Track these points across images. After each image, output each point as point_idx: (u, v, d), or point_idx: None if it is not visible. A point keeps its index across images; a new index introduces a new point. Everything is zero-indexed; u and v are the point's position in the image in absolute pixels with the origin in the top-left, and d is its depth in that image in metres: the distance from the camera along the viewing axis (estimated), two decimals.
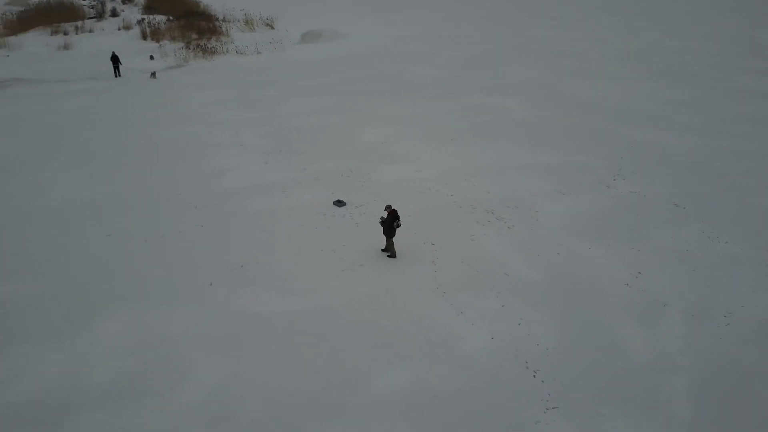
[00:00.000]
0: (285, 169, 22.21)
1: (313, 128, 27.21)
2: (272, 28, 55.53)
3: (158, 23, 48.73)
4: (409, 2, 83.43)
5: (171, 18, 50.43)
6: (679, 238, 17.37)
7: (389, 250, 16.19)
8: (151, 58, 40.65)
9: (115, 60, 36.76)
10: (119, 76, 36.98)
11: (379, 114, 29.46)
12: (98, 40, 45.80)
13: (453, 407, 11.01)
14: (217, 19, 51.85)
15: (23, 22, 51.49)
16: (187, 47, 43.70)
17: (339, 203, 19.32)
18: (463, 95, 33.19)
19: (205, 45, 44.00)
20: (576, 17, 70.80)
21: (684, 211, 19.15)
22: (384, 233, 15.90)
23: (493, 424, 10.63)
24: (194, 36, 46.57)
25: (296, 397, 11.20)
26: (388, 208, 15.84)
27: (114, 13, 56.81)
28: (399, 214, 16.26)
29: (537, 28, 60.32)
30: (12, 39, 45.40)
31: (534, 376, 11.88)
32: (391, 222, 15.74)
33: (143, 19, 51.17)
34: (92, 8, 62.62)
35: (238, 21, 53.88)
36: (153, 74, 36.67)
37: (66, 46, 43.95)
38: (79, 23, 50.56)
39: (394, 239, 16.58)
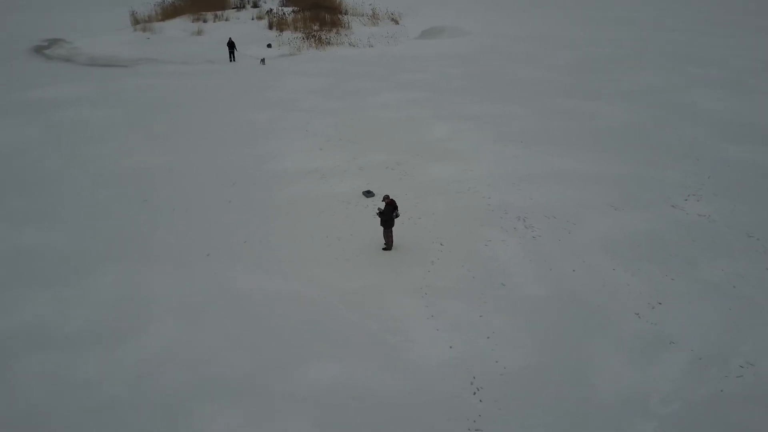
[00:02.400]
0: (335, 157, 22.39)
1: (386, 120, 27.13)
2: (396, 23, 56.10)
3: (284, 14, 51.41)
4: (546, 2, 79.74)
5: (296, 9, 52.95)
6: (731, 272, 14.91)
7: (386, 242, 15.71)
8: (269, 46, 42.94)
9: (230, 46, 39.45)
10: (233, 61, 39.63)
11: (461, 111, 28.59)
12: (229, 27, 49.36)
13: (369, 410, 10.45)
14: (341, 13, 53.53)
15: (176, 9, 57.03)
16: (306, 38, 45.66)
17: (368, 194, 19.09)
18: (559, 98, 31.12)
19: (320, 36, 45.67)
20: (731, 21, 63.20)
21: (756, 243, 16.38)
22: (381, 224, 15.47)
23: None
24: (315, 27, 48.53)
25: (224, 373, 11.29)
26: (386, 198, 15.41)
27: (255, 4, 60.92)
28: (398, 204, 15.74)
29: (678, 32, 54.76)
30: (157, 24, 50.56)
31: (474, 394, 10.88)
32: (390, 213, 15.29)
33: (271, 10, 54.32)
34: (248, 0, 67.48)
35: (363, 15, 55.13)
36: (262, 61, 38.78)
37: (199, 32, 48.00)
38: (220, 12, 54.94)
39: (394, 231, 16.04)
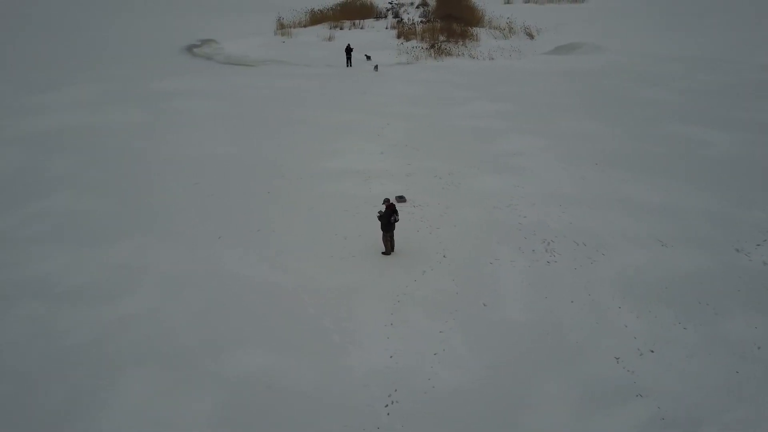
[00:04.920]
0: (391, 162, 22.44)
1: (462, 130, 26.61)
2: (531, 37, 54.47)
3: (414, 24, 52.32)
4: (719, 24, 71.88)
5: (424, 20, 53.60)
6: (765, 332, 12.57)
7: (385, 246, 15.51)
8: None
9: (348, 51, 41.09)
10: (350, 66, 41.22)
11: (546, 127, 27.11)
12: (360, 35, 51.36)
13: (274, 401, 10.53)
14: (473, 25, 53.03)
15: (323, 16, 60.70)
16: (429, 48, 46.10)
17: (400, 199, 18.94)
18: (672, 123, 28.16)
19: (441, 46, 45.79)
20: None
21: None
22: (381, 228, 15.32)
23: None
24: (442, 38, 48.76)
25: (170, 344, 11.98)
26: (386, 201, 15.27)
27: (396, 14, 62.71)
28: (397, 209, 15.52)
29: None
30: (297, 29, 54.18)
31: (386, 406, 10.44)
32: (388, 216, 15.11)
33: (401, 20, 55.55)
34: (389, 10, 69.96)
35: (497, 29, 54.27)
36: (375, 67, 39.87)
37: (329, 38, 50.51)
38: (358, 21, 57.40)
39: (400, 237, 15.77)
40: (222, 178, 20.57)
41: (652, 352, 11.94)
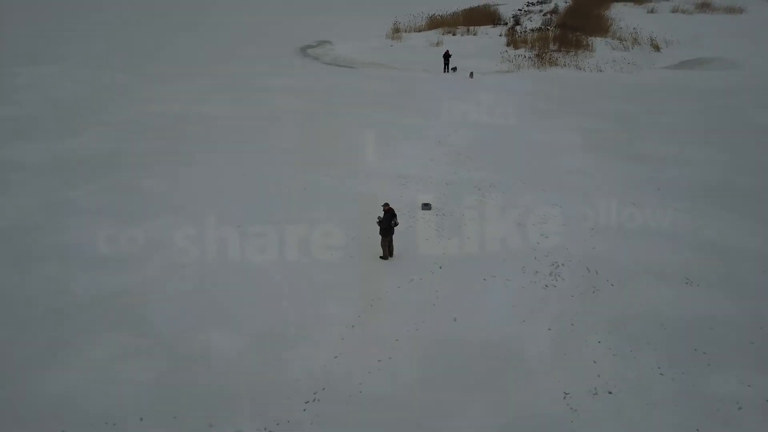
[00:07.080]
0: (438, 169, 22.35)
1: (530, 143, 25.72)
2: (657, 49, 50.67)
3: (525, 32, 50.83)
4: None
5: (534, 29, 51.75)
6: (759, 394, 11.09)
7: (383, 250, 15.66)
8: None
9: (446, 57, 41.05)
10: (447, 72, 41.17)
11: (625, 148, 25.22)
12: (470, 41, 50.94)
13: (199, 378, 11.37)
14: (589, 35, 50.23)
15: (443, 21, 61.04)
16: (537, 57, 44.68)
17: (425, 206, 18.92)
18: None
19: (545, 56, 44.11)
20: None
21: None
22: (380, 233, 15.48)
23: (190, 415, 10.53)
24: (554, 48, 46.93)
25: (144, 315, 13.18)
26: (385, 206, 15.41)
27: (517, 22, 61.20)
28: (396, 212, 15.64)
29: None
30: (407, 34, 54.99)
31: (306, 402, 10.81)
32: (388, 220, 15.27)
33: (512, 27, 54.11)
34: (513, 17, 68.57)
35: (618, 39, 51.04)
36: (471, 74, 39.45)
37: (437, 44, 50.50)
38: (472, 27, 56.90)
39: (394, 242, 15.87)
40: (271, 171, 21.69)
41: (610, 393, 11.05)
